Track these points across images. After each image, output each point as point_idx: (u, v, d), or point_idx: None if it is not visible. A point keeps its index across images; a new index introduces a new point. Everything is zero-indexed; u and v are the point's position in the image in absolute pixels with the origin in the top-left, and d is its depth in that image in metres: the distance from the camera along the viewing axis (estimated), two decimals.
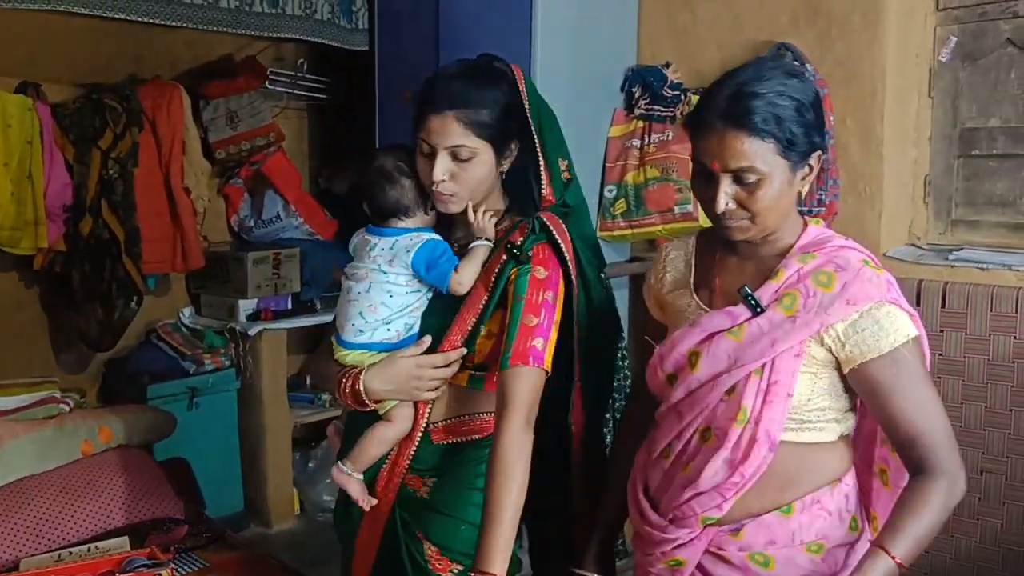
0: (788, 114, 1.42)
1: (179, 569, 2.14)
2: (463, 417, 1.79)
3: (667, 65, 3.41)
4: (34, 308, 3.63)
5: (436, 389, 1.76)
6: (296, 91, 4.16)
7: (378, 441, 1.79)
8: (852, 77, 3.02)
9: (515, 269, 1.72)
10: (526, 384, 1.65)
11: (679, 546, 1.55)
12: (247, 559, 2.27)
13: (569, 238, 1.76)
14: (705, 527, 1.53)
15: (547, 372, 1.67)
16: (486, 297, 1.73)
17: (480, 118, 1.68)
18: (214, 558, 2.27)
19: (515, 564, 1.68)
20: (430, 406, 1.78)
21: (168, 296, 4.00)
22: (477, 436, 1.78)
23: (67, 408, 2.69)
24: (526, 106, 1.77)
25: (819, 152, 1.48)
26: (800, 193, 1.49)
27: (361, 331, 1.76)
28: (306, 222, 4.05)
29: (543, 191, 1.80)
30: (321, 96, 4.26)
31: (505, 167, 1.77)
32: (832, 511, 1.52)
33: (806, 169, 1.48)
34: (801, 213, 1.59)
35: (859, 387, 1.48)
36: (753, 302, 1.47)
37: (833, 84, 3.02)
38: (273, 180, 4.00)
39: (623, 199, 3.56)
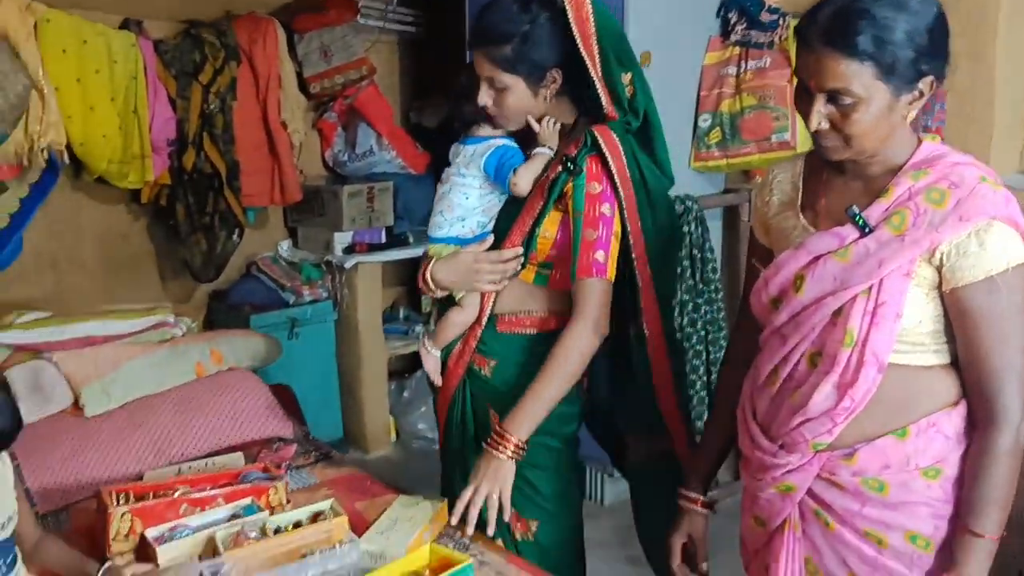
0: (895, 37, 1.36)
1: (290, 484, 2.23)
2: (527, 312, 1.99)
3: None
4: (142, 240, 3.77)
5: (496, 283, 1.96)
6: (387, 24, 4.17)
7: (450, 324, 2.04)
8: None
9: (570, 182, 1.87)
10: (591, 293, 1.85)
11: (790, 471, 1.54)
12: (354, 478, 2.34)
13: (621, 152, 1.87)
14: (816, 452, 1.52)
15: (610, 280, 1.86)
16: (541, 203, 1.90)
17: (504, 54, 1.83)
18: (322, 475, 2.35)
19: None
20: (494, 297, 1.98)
21: (266, 229, 4.10)
22: (536, 330, 1.99)
23: (180, 332, 2.80)
24: (574, 30, 1.82)
25: (931, 78, 1.40)
26: (904, 117, 1.43)
27: (440, 226, 1.99)
28: (398, 155, 4.08)
29: (604, 108, 1.89)
30: (412, 29, 4.26)
31: (549, 93, 1.90)
32: (950, 435, 1.48)
33: (914, 94, 1.41)
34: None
35: (951, 310, 1.44)
36: (861, 222, 1.43)
37: (944, 1, 2.89)
38: (366, 114, 4.03)
39: (718, 128, 3.50)
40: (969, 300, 1.40)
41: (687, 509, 1.82)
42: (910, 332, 1.45)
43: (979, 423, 1.44)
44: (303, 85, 3.96)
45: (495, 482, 1.85)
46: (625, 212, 1.89)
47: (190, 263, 3.65)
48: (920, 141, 1.48)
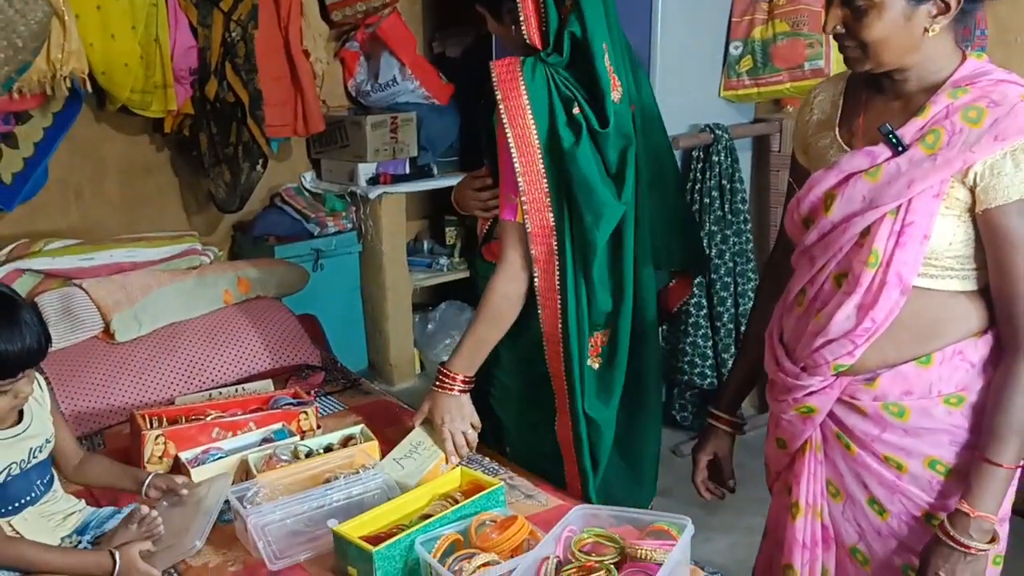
0: None
1: (320, 410, 2.25)
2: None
3: None
4: (166, 171, 3.75)
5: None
6: None
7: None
8: None
9: None
10: (504, 235, 1.88)
11: (811, 393, 1.54)
12: (381, 404, 2.36)
13: (521, 89, 1.76)
14: (838, 375, 1.51)
15: (520, 223, 1.83)
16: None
17: None
18: (350, 401, 2.37)
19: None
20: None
21: (290, 160, 4.07)
22: None
23: (207, 260, 2.80)
24: None
25: None
26: (926, 30, 1.35)
27: None
28: (422, 86, 4.03)
29: (526, 36, 1.79)
30: None
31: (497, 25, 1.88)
32: (975, 363, 1.46)
33: (937, 6, 1.35)
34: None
35: (983, 232, 1.40)
36: (894, 140, 1.40)
37: None
38: (388, 43, 3.97)
39: (749, 56, 3.43)
40: (1002, 222, 1.36)
41: (714, 428, 1.84)
42: (939, 256, 1.42)
43: (1006, 349, 1.41)
44: (325, 13, 3.90)
45: (464, 417, 1.94)
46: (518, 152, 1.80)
47: (214, 194, 3.64)
48: (965, 58, 1.43)
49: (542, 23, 1.79)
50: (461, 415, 1.94)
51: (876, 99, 1.51)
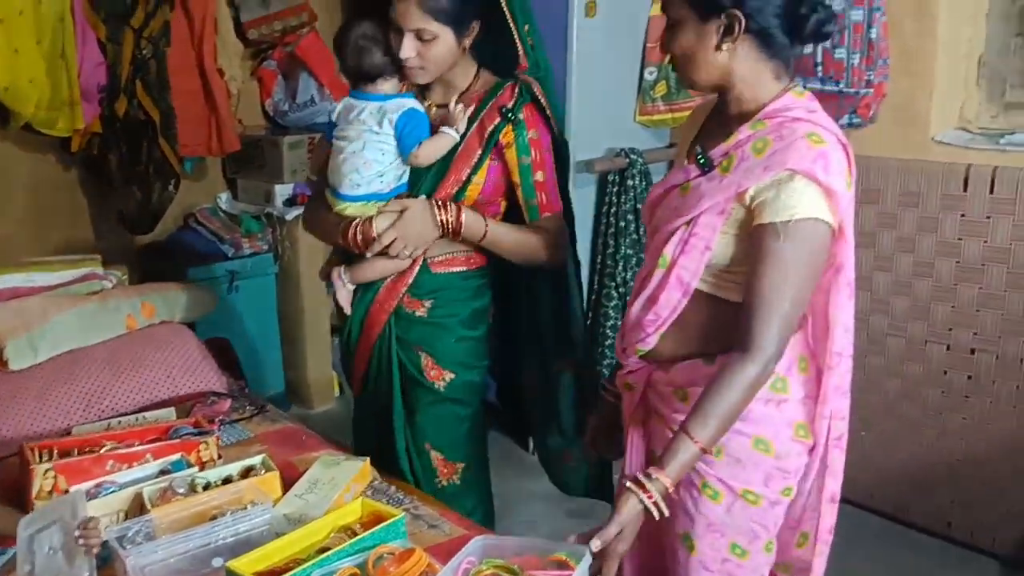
0: None
1: (224, 439, 2.19)
2: (456, 252, 2.11)
3: None
4: (73, 191, 3.65)
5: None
6: None
7: (379, 269, 2.10)
8: None
9: (509, 130, 2.01)
10: (558, 224, 2.11)
11: (630, 372, 1.76)
12: (289, 431, 2.31)
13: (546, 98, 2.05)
14: (645, 360, 1.71)
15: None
16: (480, 151, 2.03)
17: (439, 4, 1.88)
18: (257, 429, 2.32)
19: None
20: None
21: (205, 181, 4.00)
22: (466, 268, 2.13)
23: (109, 284, 2.72)
24: None
25: (738, 12, 1.46)
26: (716, 49, 1.50)
27: (358, 184, 2.00)
28: None
29: (519, 60, 2.06)
30: None
31: (468, 43, 1.98)
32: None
33: (722, 25, 1.49)
34: (836, 92, 1.64)
35: (749, 247, 1.51)
36: (701, 160, 1.55)
37: None
38: (307, 62, 3.93)
39: (664, 81, 3.48)
40: (759, 239, 1.48)
41: (604, 398, 1.95)
42: (723, 268, 1.57)
43: (735, 348, 1.50)
44: (241, 31, 3.85)
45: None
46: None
47: (124, 214, 3.55)
48: (783, 94, 1.54)
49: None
50: None
51: (711, 122, 1.66)
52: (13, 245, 3.45)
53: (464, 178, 2.03)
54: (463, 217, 2.01)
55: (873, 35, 2.84)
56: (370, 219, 2.02)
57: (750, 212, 1.49)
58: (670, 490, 1.49)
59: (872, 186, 3.00)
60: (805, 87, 2.92)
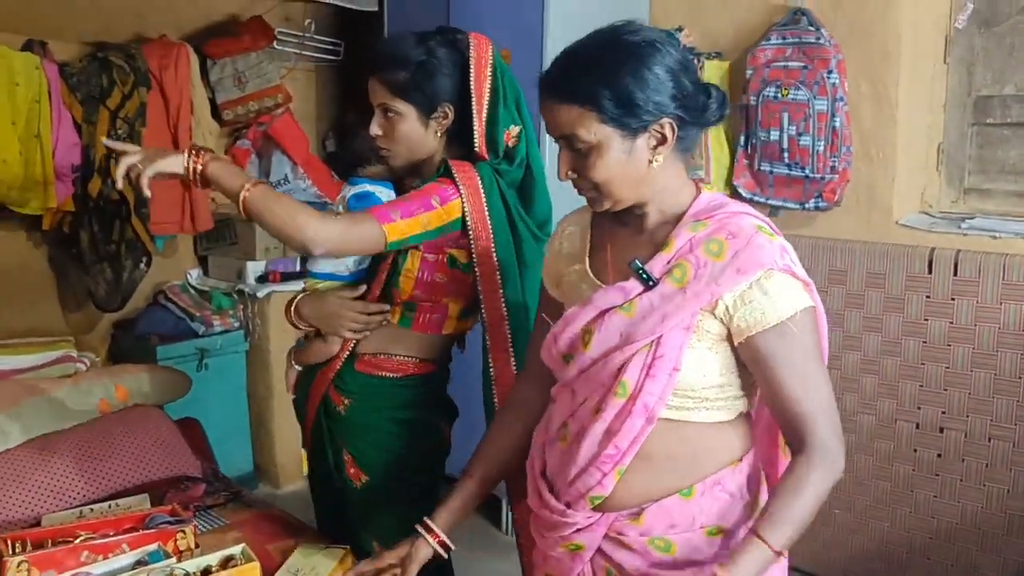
0: (611, 80, 1.36)
1: (199, 527, 2.16)
2: (388, 354, 2.03)
3: (679, 29, 3.38)
4: (43, 268, 3.61)
5: (357, 332, 2.00)
6: (304, 52, 4.12)
7: (313, 351, 2.09)
8: (867, 41, 3.01)
9: None
10: (363, 226, 1.79)
11: (578, 530, 1.52)
12: (264, 517, 2.28)
13: (478, 183, 1.91)
14: (601, 511, 1.50)
15: (384, 235, 1.80)
16: None
17: (398, 80, 1.89)
18: (232, 516, 2.28)
19: None
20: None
21: (175, 258, 3.99)
22: (394, 375, 2.04)
23: (83, 367, 2.69)
24: (471, 74, 1.92)
25: (668, 120, 1.38)
26: (650, 162, 1.40)
27: (316, 262, 2.05)
28: (314, 184, 4.02)
29: (476, 147, 1.96)
30: (329, 57, 4.22)
31: (439, 128, 1.95)
32: (733, 492, 1.49)
33: (655, 137, 1.39)
34: (803, 177, 1.52)
35: (748, 359, 1.43)
36: (644, 275, 1.41)
37: (848, 48, 3.01)
38: (281, 142, 3.97)
39: None
40: (764, 346, 1.39)
41: (421, 538, 1.69)
42: (694, 388, 1.43)
43: (793, 453, 1.42)
44: (216, 112, 3.88)
45: None
46: (473, 235, 1.92)
47: (94, 292, 3.52)
48: (700, 190, 1.49)
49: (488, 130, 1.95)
50: None
51: (620, 232, 1.53)
52: None
53: (390, 267, 1.97)
54: (210, 164, 1.75)
55: (837, 123, 2.95)
56: (300, 295, 2.08)
57: (724, 321, 1.40)
58: None
59: (839, 267, 3.07)
60: (772, 172, 3.06)
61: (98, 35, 3.62)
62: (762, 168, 3.13)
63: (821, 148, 2.97)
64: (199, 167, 1.73)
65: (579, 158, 1.42)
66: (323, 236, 1.72)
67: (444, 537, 1.69)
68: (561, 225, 1.67)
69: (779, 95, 3.04)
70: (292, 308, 2.07)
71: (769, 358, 1.39)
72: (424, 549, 1.68)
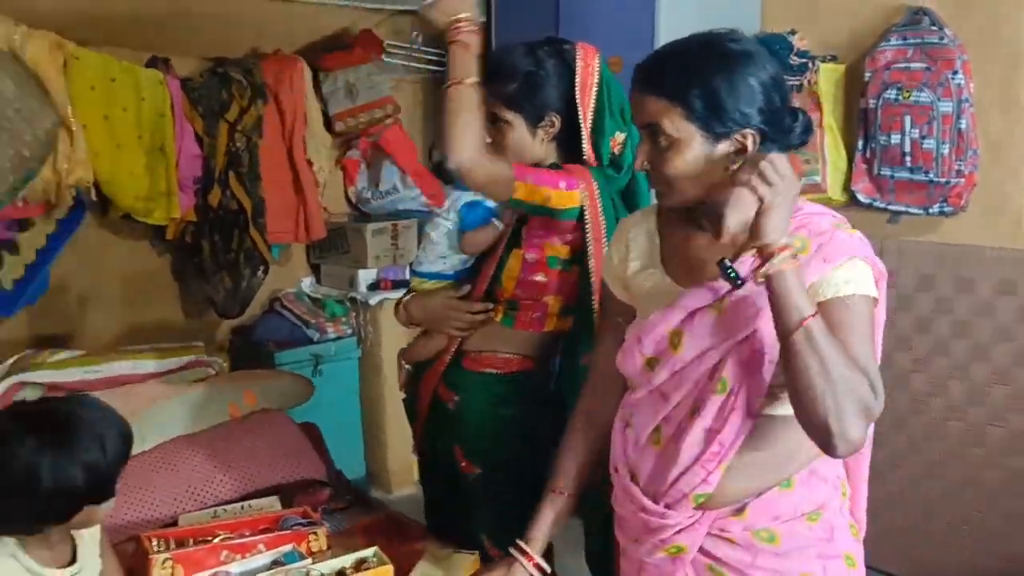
0: (707, 82, 1.38)
1: (328, 529, 2.20)
2: (492, 351, 2.09)
3: (793, 32, 3.32)
4: (166, 276, 3.75)
5: (462, 330, 2.08)
6: (412, 63, 4.19)
7: (420, 349, 2.19)
8: (994, 43, 2.91)
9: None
10: (504, 171, 1.85)
11: (679, 531, 1.51)
12: (389, 521, 2.32)
13: (595, 187, 1.99)
14: (703, 509, 1.49)
15: (514, 188, 1.86)
16: (509, 236, 2.04)
17: (508, 91, 1.96)
18: (358, 519, 2.33)
19: None
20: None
21: (289, 266, 4.09)
22: (499, 371, 2.10)
23: (212, 371, 2.78)
24: (576, 83, 1.99)
25: (753, 132, 1.41)
26: (726, 168, 1.41)
27: (421, 263, 2.16)
28: (422, 193, 4.08)
29: (585, 154, 2.04)
30: (437, 68, 4.27)
31: (546, 136, 2.02)
32: (828, 478, 1.53)
33: (735, 145, 1.42)
34: (926, 181, 1.51)
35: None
36: (733, 275, 1.40)
37: (973, 49, 2.91)
38: (390, 152, 4.04)
39: None
40: (830, 312, 1.37)
41: (517, 562, 1.70)
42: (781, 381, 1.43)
43: None
44: (328, 123, 3.97)
45: None
46: (590, 228, 1.98)
47: (215, 300, 3.64)
48: None
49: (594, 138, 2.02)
50: None
51: (695, 233, 1.54)
52: (106, 330, 3.55)
53: (496, 264, 2.05)
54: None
55: (963, 125, 2.85)
56: (409, 293, 2.17)
57: None
58: None
59: (965, 275, 2.97)
60: (893, 176, 2.97)
61: (217, 51, 3.74)
62: (882, 172, 3.04)
63: (946, 151, 2.87)
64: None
65: (657, 151, 1.45)
66: (474, 162, 1.78)
67: (539, 559, 1.71)
68: (623, 228, 1.69)
69: (901, 97, 2.95)
70: (401, 307, 2.18)
71: (835, 323, 1.36)
72: (520, 573, 1.70)
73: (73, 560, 1.56)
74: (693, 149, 1.42)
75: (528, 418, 2.11)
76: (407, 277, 4.01)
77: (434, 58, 4.24)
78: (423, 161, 4.29)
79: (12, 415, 1.54)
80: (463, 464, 2.12)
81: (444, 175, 4.13)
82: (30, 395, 2.54)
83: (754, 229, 1.33)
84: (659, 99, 1.42)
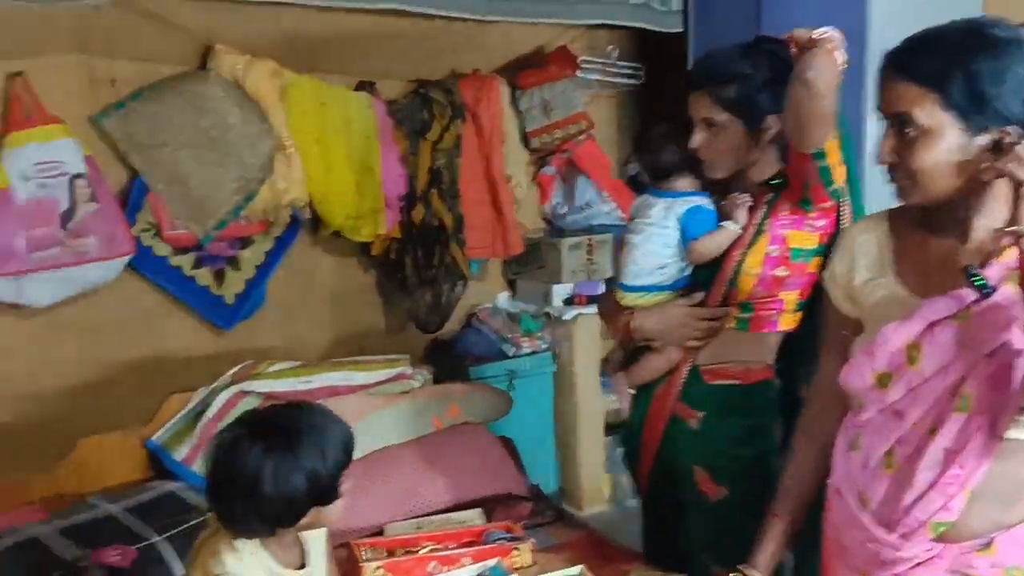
0: (970, 68, 1.27)
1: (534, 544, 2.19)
2: (730, 363, 1.99)
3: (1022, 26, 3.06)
4: (371, 291, 3.88)
5: (702, 340, 1.97)
6: (607, 78, 4.17)
7: (648, 368, 2.07)
8: None
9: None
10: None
11: (917, 565, 1.38)
12: (592, 539, 2.30)
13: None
14: (943, 541, 1.36)
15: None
16: (752, 232, 1.94)
17: (726, 93, 1.89)
18: (560, 536, 2.32)
19: None
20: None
21: (486, 281, 4.15)
22: (740, 382, 1.99)
23: (417, 384, 2.84)
24: None
25: (1019, 128, 1.28)
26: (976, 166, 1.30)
27: (637, 275, 2.04)
28: (618, 208, 4.05)
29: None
30: (632, 82, 4.24)
31: (764, 138, 1.93)
32: None
33: (991, 139, 1.29)
34: None
35: None
36: (981, 282, 1.29)
37: None
38: (584, 167, 4.04)
39: None
40: None
41: None
42: None
43: None
44: (524, 139, 4.02)
45: None
46: (845, 220, 1.93)
47: (416, 314, 3.74)
48: None
49: None
50: None
51: (933, 240, 1.43)
52: (314, 342, 3.71)
53: (734, 264, 1.95)
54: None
55: None
56: (635, 311, 2.05)
57: None
58: None
59: None
60: None
61: (419, 73, 3.86)
62: None
63: None
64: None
65: (903, 143, 1.35)
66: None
67: None
68: (848, 237, 1.59)
69: None
70: (624, 325, 2.06)
71: None
72: None
73: (304, 563, 1.62)
74: (946, 141, 1.32)
75: (769, 429, 2.03)
76: (601, 291, 3.99)
77: (629, 71, 4.22)
78: (617, 175, 4.26)
79: (240, 423, 1.62)
80: (705, 486, 2.02)
81: (638, 188, 4.11)
82: (251, 404, 2.67)
83: (1015, 218, 1.22)
84: (912, 85, 1.32)
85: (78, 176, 3.05)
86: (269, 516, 1.51)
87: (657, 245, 2.02)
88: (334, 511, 1.57)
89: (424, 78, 3.85)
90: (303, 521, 1.55)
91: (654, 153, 2.04)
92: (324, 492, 1.54)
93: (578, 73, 4.06)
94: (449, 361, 3.88)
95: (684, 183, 2.03)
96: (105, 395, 3.23)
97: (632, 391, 2.15)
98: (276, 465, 1.50)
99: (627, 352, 2.19)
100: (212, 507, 1.58)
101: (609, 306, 2.18)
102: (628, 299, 2.09)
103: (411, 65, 3.84)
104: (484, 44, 3.99)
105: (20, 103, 3.01)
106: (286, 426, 1.56)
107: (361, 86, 3.68)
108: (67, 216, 3.02)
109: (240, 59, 3.25)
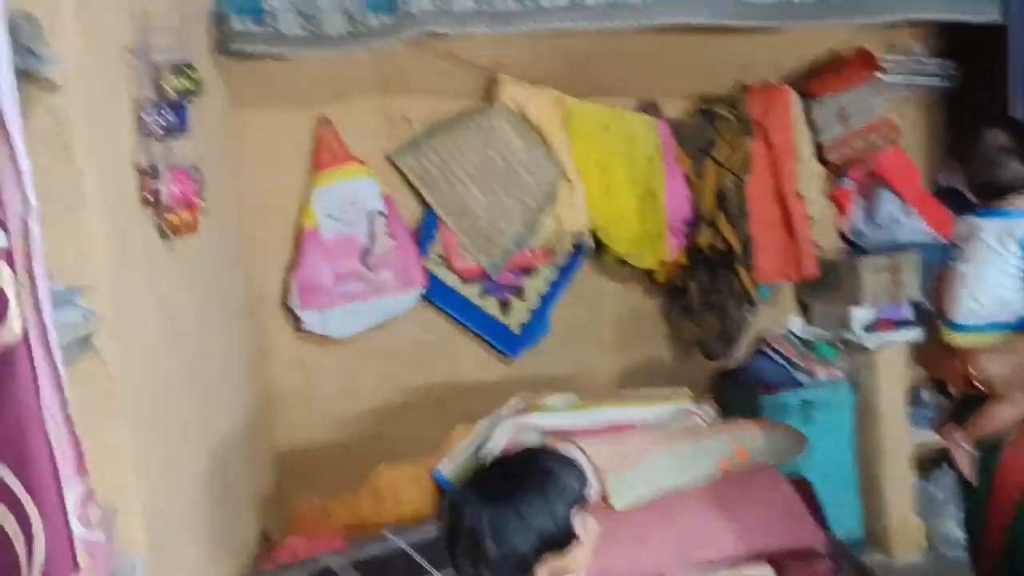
0: None
1: None
2: None
3: None
4: (654, 318, 3.79)
5: None
6: (912, 79, 3.78)
7: (991, 418, 1.81)
8: None
9: None
10: None
11: None
12: None
13: None
14: None
15: None
16: None
17: None
18: None
19: None
20: None
21: (776, 305, 3.91)
22: None
23: (701, 421, 2.70)
24: None
25: None
26: None
27: (973, 311, 1.80)
28: (927, 223, 3.66)
29: None
30: (943, 83, 3.82)
31: None
32: None
33: None
34: None
35: None
36: None
37: None
38: (888, 179, 3.69)
39: None
40: None
41: None
42: None
43: None
44: (819, 152, 3.74)
45: None
46: None
47: (702, 341, 3.61)
48: None
49: None
50: None
51: None
52: (600, 370, 3.68)
53: None
54: None
55: None
56: (973, 353, 1.79)
57: None
58: None
59: None
60: None
61: (702, 89, 3.72)
62: None
63: None
64: None
65: None
66: None
67: None
68: None
69: None
70: (964, 370, 1.82)
71: None
72: None
73: None
74: None
75: None
76: (911, 317, 3.63)
77: (939, 71, 3.81)
78: (926, 186, 3.85)
79: (474, 473, 1.59)
80: None
81: (952, 201, 3.70)
82: (532, 439, 2.66)
83: None
84: None
85: (377, 213, 3.23)
86: (498, 570, 1.45)
87: (995, 274, 1.79)
88: (579, 556, 1.49)
89: (707, 93, 3.70)
90: (540, 571, 1.47)
91: (990, 168, 1.81)
92: (553, 539, 1.46)
93: (878, 75, 3.71)
94: (738, 389, 3.69)
95: (1021, 201, 1.81)
96: (403, 419, 3.41)
97: (971, 449, 1.89)
98: (492, 517, 1.45)
99: (957, 402, 1.94)
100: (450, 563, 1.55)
101: (933, 347, 1.94)
102: (962, 339, 1.86)
103: (694, 81, 3.71)
104: (772, 53, 3.78)
105: (326, 145, 3.25)
106: (508, 475, 1.51)
107: (643, 107, 3.60)
108: (366, 251, 3.22)
109: (523, 90, 3.30)
